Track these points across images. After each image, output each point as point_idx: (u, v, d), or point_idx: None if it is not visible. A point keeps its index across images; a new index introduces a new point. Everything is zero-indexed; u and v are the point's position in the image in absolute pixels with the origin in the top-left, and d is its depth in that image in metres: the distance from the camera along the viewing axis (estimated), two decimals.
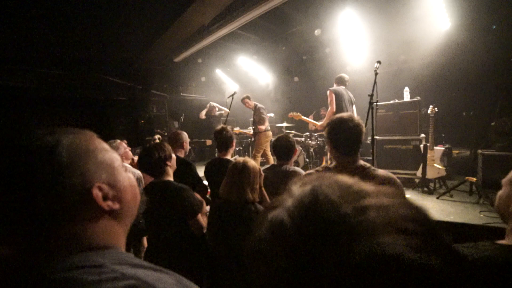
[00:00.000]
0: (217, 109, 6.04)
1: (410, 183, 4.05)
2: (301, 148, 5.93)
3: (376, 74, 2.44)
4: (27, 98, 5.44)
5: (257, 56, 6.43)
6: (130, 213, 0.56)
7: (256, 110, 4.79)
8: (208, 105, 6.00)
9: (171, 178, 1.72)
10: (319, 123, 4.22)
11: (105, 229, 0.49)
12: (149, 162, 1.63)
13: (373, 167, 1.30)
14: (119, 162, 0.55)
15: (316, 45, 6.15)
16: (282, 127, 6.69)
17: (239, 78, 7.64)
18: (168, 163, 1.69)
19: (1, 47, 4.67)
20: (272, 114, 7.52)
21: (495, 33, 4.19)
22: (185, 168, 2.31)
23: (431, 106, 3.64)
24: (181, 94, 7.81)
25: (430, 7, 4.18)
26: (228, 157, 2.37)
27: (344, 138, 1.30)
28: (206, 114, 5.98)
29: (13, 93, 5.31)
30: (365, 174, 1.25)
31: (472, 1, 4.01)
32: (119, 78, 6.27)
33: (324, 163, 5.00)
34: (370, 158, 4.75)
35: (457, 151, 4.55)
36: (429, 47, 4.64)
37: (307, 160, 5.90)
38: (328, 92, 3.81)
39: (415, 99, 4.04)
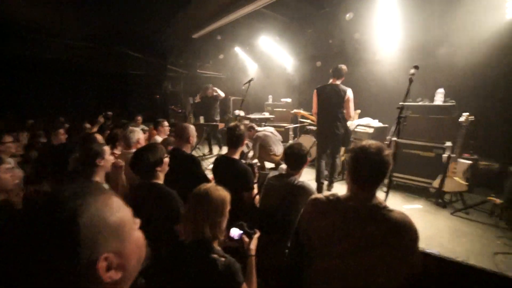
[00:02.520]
0: (210, 90, 5.74)
1: (423, 193, 3.86)
2: (314, 139, 5.76)
3: (410, 82, 2.15)
4: (55, 69, 5.54)
5: (280, 37, 6.03)
6: (131, 277, 0.55)
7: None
8: (204, 87, 5.79)
9: (160, 181, 1.74)
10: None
11: None
12: (139, 166, 1.67)
13: (388, 208, 1.17)
14: (130, 224, 0.55)
15: (345, 30, 5.65)
16: (298, 115, 6.48)
17: (259, 58, 7.29)
18: (158, 168, 1.71)
19: (32, 18, 4.65)
20: (289, 100, 7.26)
21: None
22: (191, 165, 2.29)
23: (466, 114, 3.29)
24: (198, 71, 7.63)
25: None
26: (236, 156, 2.31)
27: (365, 172, 1.17)
28: (201, 96, 5.79)
29: (42, 63, 5.43)
30: (377, 216, 1.14)
31: None
32: (139, 52, 6.16)
33: (344, 155, 4.79)
34: None
35: (484, 163, 4.20)
36: (478, 42, 4.02)
37: None
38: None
39: (449, 104, 3.67)
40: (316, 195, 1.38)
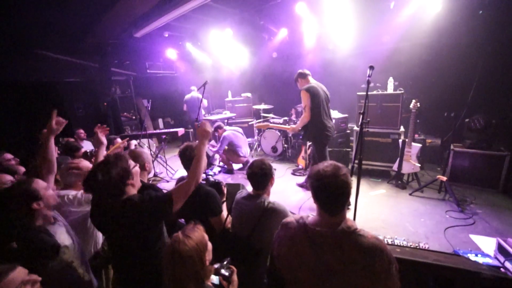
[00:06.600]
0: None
1: (385, 176, 4.12)
2: (279, 134, 5.75)
3: (368, 83, 2.12)
4: None
5: (232, 29, 5.73)
6: None
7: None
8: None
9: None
10: (290, 127, 3.69)
11: None
12: (99, 185, 1.25)
13: (359, 232, 1.10)
14: None
15: (298, 19, 5.59)
16: (259, 109, 6.37)
17: (213, 53, 6.90)
18: (130, 181, 1.34)
19: None
20: (249, 94, 7.08)
21: (481, 18, 3.96)
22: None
23: (413, 101, 3.51)
24: (148, 71, 6.97)
25: None
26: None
27: (325, 199, 1.11)
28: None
29: None
30: (346, 242, 1.08)
31: None
32: (69, 55, 5.30)
33: (303, 153, 4.89)
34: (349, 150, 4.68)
35: (429, 141, 4.64)
36: (418, 30, 4.35)
37: (285, 146, 5.77)
38: (301, 92, 3.21)
39: (398, 92, 3.88)
40: (288, 218, 1.29)
